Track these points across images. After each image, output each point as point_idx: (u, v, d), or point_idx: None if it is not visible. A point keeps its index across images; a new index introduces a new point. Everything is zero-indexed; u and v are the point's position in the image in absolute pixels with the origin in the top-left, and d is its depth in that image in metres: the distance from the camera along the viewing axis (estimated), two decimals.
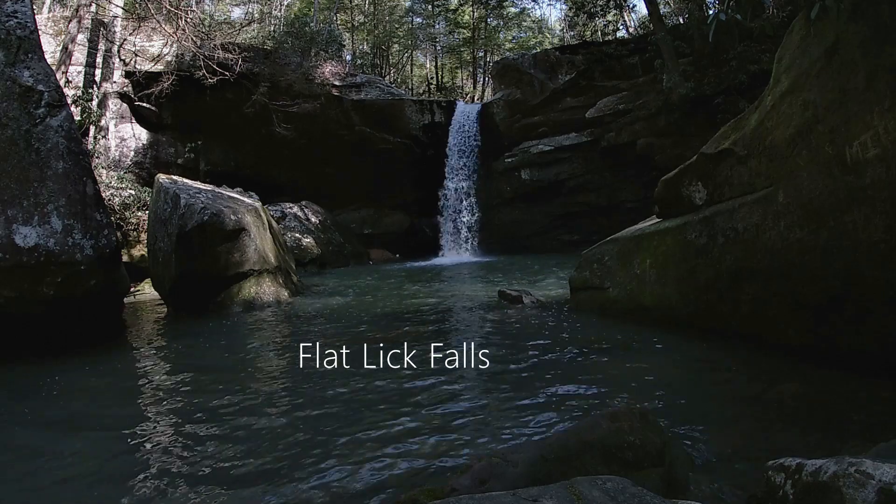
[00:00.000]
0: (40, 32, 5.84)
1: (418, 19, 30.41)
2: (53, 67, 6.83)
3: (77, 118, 11.84)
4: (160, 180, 8.28)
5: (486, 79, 27.70)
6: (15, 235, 4.77)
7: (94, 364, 4.66)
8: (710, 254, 4.27)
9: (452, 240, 17.67)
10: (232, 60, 12.34)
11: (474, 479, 1.92)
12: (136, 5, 13.50)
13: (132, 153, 15.61)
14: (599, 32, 23.75)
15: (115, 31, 14.66)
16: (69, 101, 7.71)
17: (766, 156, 3.80)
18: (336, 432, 2.89)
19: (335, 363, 4.32)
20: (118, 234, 8.11)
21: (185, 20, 11.48)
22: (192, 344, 5.42)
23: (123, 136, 15.53)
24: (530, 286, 8.16)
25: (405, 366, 4.14)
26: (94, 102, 14.07)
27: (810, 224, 3.40)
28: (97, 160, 13.04)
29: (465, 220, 17.69)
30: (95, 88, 14.34)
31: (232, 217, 7.44)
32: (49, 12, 16.43)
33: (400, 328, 5.74)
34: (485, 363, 4.24)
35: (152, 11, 11.39)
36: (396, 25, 29.50)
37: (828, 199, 3.27)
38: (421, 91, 28.57)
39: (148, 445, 2.86)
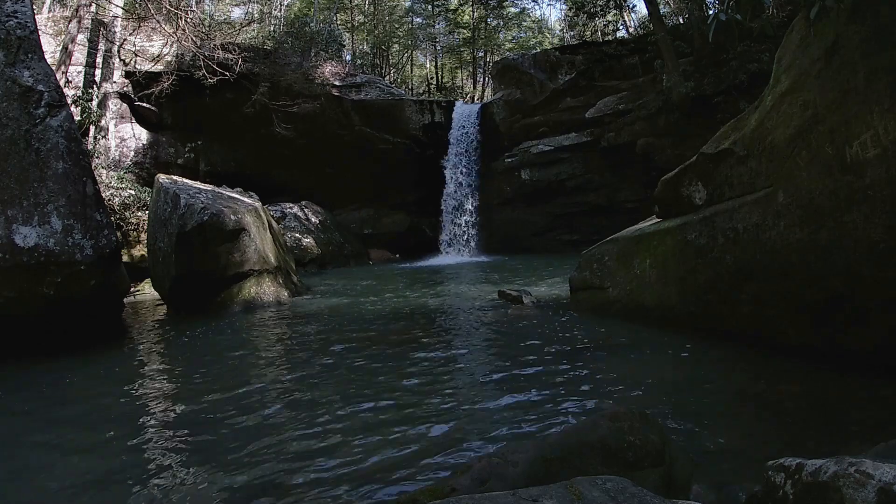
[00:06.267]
0: (40, 32, 5.84)
1: (418, 19, 30.43)
2: (53, 67, 6.83)
3: (77, 118, 11.84)
4: (160, 180, 8.29)
5: (486, 79, 27.70)
6: (15, 235, 4.77)
7: (94, 364, 4.66)
8: (710, 254, 4.27)
9: (452, 240, 17.66)
10: (232, 60, 12.33)
11: (474, 479, 1.92)
12: (136, 5, 13.50)
13: (132, 153, 15.60)
14: (599, 32, 23.74)
15: (115, 31, 14.66)
16: (69, 101, 7.71)
17: (766, 156, 3.80)
18: (336, 433, 2.89)
19: (335, 364, 4.32)
20: (118, 234, 8.11)
21: (185, 20, 11.48)
22: (192, 344, 5.42)
23: (123, 136, 15.52)
24: (530, 286, 8.16)
25: (404, 366, 4.14)
26: (94, 102, 14.06)
27: (810, 224, 3.40)
28: (97, 160, 13.03)
29: (465, 220, 17.68)
30: (95, 88, 14.34)
31: (232, 217, 7.44)
32: (49, 12, 16.43)
33: (400, 328, 5.74)
34: (485, 363, 4.24)
35: (152, 11, 11.39)
36: (396, 25, 29.51)
37: (828, 199, 3.27)
38: (421, 91, 28.58)
39: (148, 446, 2.86)
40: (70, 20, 12.32)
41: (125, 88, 15.22)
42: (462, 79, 31.65)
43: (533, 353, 4.35)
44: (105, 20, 14.54)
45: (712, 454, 2.42)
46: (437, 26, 30.24)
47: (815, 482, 1.50)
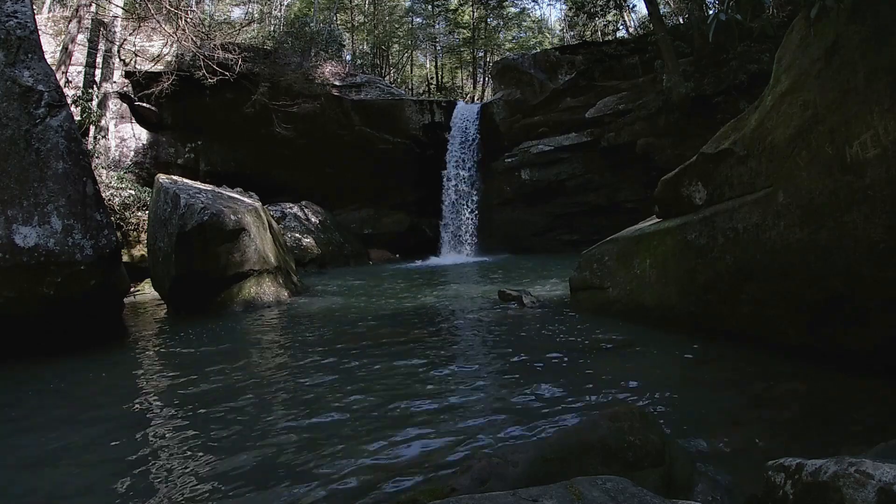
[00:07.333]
0: (40, 32, 5.84)
1: (418, 19, 30.45)
2: (53, 67, 6.83)
3: (77, 118, 11.84)
4: (160, 180, 8.29)
5: (486, 79, 27.70)
6: (15, 235, 4.77)
7: (94, 364, 4.66)
8: (710, 254, 4.27)
9: (452, 240, 17.66)
10: (232, 60, 12.34)
11: (474, 479, 1.92)
12: (136, 5, 13.50)
13: (132, 153, 15.61)
14: (599, 32, 23.74)
15: (115, 31, 14.66)
16: (69, 101, 7.71)
17: (766, 156, 3.80)
18: (336, 433, 2.89)
19: (335, 364, 4.33)
20: (118, 234, 8.11)
21: (185, 20, 11.49)
22: (192, 344, 5.42)
23: (123, 136, 15.52)
24: (530, 286, 8.16)
25: (405, 366, 4.14)
26: (94, 102, 14.06)
27: (810, 224, 3.40)
28: (97, 160, 13.03)
29: (464, 220, 17.69)
30: (95, 88, 14.34)
31: (232, 217, 7.44)
32: (49, 12, 16.44)
33: (400, 328, 5.74)
34: (485, 363, 4.24)
35: (152, 11, 11.39)
36: (396, 25, 29.52)
37: (828, 199, 3.27)
38: (421, 91, 28.58)
39: (148, 446, 2.86)
40: (70, 20, 12.32)
41: (125, 88, 15.22)
42: (462, 79, 31.65)
43: (533, 353, 4.34)
44: (105, 20, 14.54)
45: (712, 454, 2.42)
46: (437, 26, 30.25)
47: (815, 482, 1.50)
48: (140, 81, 14.55)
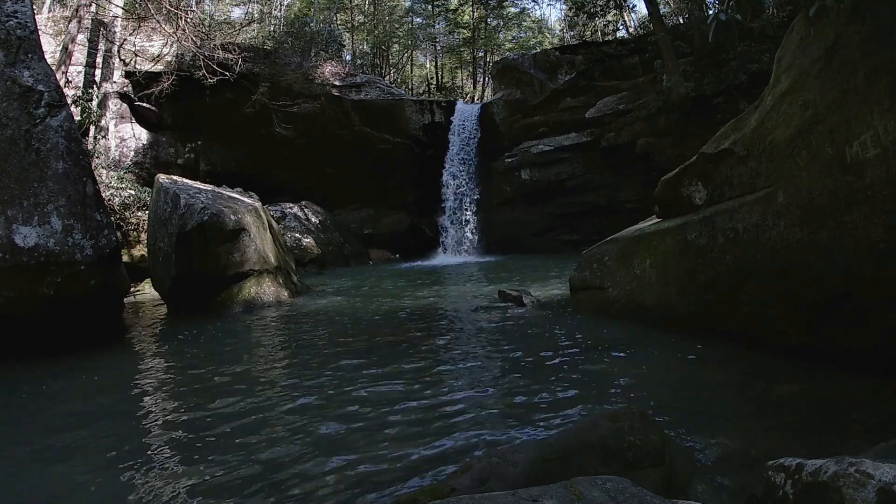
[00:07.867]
0: (40, 32, 5.84)
1: (418, 19, 30.45)
2: (53, 67, 6.83)
3: (77, 118, 11.84)
4: (160, 180, 8.29)
5: (486, 79, 27.71)
6: (15, 235, 4.78)
7: (94, 365, 4.66)
8: (710, 254, 4.27)
9: (452, 240, 17.66)
10: (232, 60, 12.33)
11: (474, 479, 1.92)
12: (136, 5, 13.51)
13: (132, 153, 15.60)
14: (599, 32, 23.74)
15: (115, 31, 14.66)
16: (69, 101, 7.71)
17: (766, 156, 3.80)
18: (335, 433, 2.89)
19: (335, 365, 4.32)
20: (118, 234, 8.11)
21: (185, 20, 11.49)
22: (192, 344, 5.42)
23: (123, 136, 15.52)
24: (530, 286, 8.16)
25: (404, 366, 4.14)
26: (94, 102, 14.06)
27: (810, 224, 3.40)
28: (97, 160, 13.03)
29: (464, 220, 17.68)
30: (95, 88, 14.34)
31: (232, 217, 7.44)
32: (49, 12, 16.43)
33: (400, 328, 5.74)
34: (485, 364, 4.24)
35: (152, 11, 11.39)
36: (396, 25, 29.52)
37: (828, 199, 3.27)
38: (421, 91, 28.59)
39: (147, 447, 2.86)
40: (70, 20, 12.32)
41: (125, 88, 15.22)
42: (462, 79, 31.65)
43: (533, 353, 4.35)
44: (105, 20, 14.54)
45: (712, 454, 2.42)
46: (437, 26, 30.25)
47: (815, 482, 1.50)
48: (140, 81, 14.55)
